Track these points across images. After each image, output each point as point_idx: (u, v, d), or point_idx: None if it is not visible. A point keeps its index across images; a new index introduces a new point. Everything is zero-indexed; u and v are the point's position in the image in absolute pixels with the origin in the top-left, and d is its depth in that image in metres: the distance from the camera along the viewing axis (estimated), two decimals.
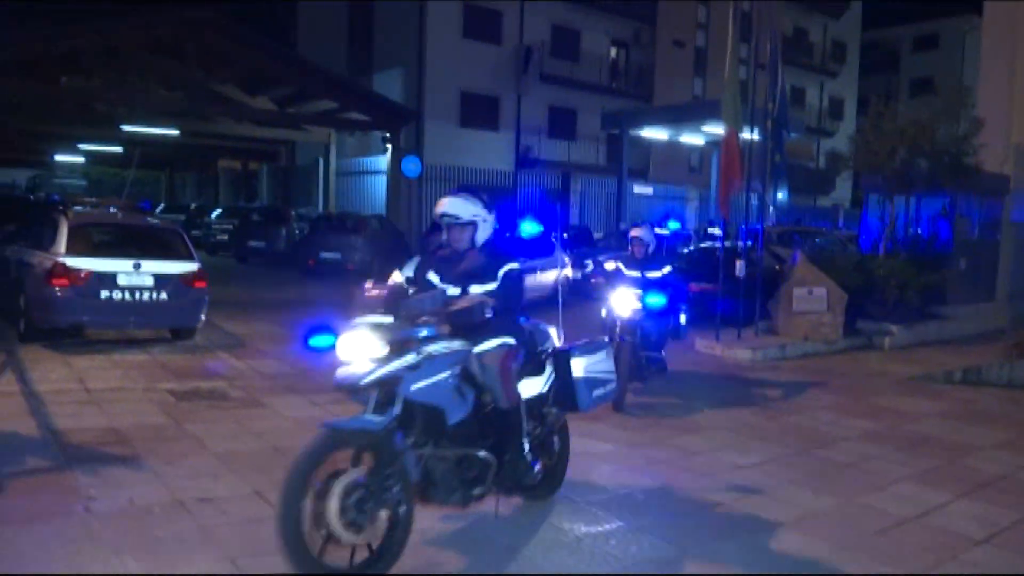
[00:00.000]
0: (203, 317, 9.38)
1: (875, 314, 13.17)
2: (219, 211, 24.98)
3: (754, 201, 12.95)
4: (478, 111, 29.78)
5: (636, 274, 7.86)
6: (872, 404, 8.60)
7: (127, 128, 23.74)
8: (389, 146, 23.47)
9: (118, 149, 30.72)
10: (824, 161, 44.09)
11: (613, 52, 34.25)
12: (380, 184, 27.29)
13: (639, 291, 7.58)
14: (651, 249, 8.10)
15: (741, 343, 11.58)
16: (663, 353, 8.16)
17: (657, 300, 7.70)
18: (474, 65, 29.25)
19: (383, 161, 25.16)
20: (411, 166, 22.66)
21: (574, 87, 31.87)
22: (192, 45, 19.89)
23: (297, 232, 21.08)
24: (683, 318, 8.41)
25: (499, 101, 30.47)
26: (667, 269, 8.09)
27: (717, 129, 25.10)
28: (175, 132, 24.95)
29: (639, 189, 30.68)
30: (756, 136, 13.01)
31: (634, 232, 8.15)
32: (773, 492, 5.41)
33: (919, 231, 15.64)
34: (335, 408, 6.96)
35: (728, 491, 5.37)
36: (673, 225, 23.17)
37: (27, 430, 5.64)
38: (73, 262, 8.38)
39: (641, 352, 7.72)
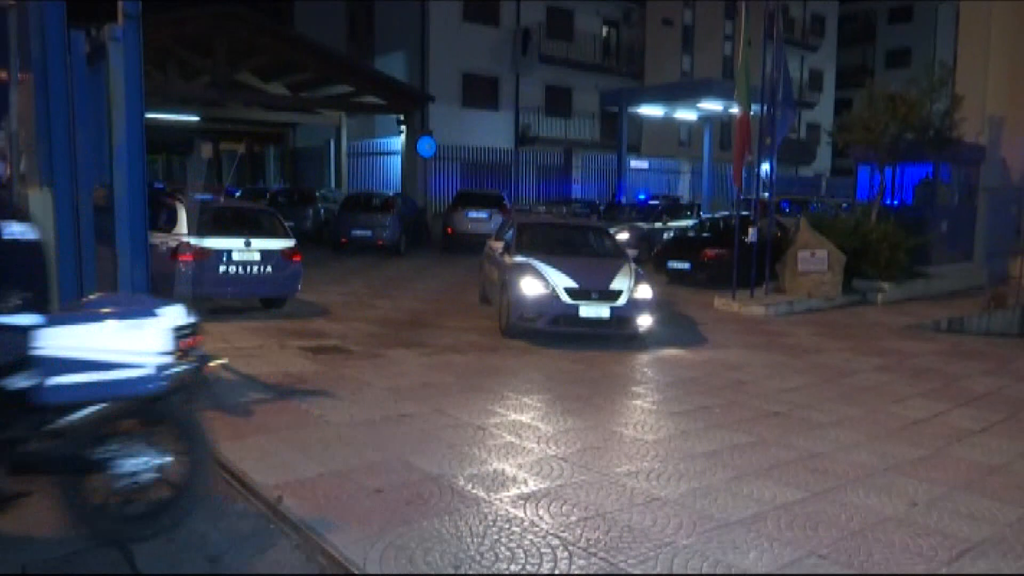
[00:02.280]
0: (300, 287, 10.75)
1: (869, 273, 14.75)
2: (239, 193, 26.04)
3: (763, 173, 14.33)
4: (479, 92, 31.00)
5: None
6: (877, 346, 10.19)
7: (150, 115, 24.71)
8: (404, 128, 24.71)
9: None
10: (805, 132, 45.68)
11: (605, 31, 35.50)
12: (390, 164, 28.55)
13: None
14: None
15: (754, 301, 13.12)
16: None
17: None
18: (474, 47, 30.42)
19: (396, 142, 26.41)
20: (426, 146, 23.93)
21: (569, 66, 33.14)
22: (221, 38, 21.00)
23: (322, 212, 22.31)
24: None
25: (498, 81, 31.69)
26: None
27: (712, 106, 26.65)
28: (196, 118, 26.01)
29: (635, 163, 32.10)
30: (758, 113, 14.33)
31: None
32: (815, 406, 6.96)
33: (904, 199, 17.26)
34: (441, 356, 8.42)
35: (783, 405, 6.92)
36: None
37: (223, 376, 7.03)
38: (197, 241, 9.72)
39: None
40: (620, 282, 9.24)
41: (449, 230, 20.79)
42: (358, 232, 19.54)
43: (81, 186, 6.47)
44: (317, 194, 23.28)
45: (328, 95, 26.10)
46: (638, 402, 6.84)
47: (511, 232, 10.80)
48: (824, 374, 8.36)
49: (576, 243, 11.01)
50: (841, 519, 4.28)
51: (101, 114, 6.49)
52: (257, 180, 35.81)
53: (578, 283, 9.11)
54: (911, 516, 4.37)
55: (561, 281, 9.11)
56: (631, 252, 10.71)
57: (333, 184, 29.28)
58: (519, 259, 9.68)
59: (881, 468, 5.24)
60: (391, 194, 22.01)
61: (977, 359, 9.71)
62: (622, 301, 9.10)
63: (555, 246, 10.45)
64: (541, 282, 9.09)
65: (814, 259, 13.96)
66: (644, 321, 9.32)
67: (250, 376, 7.03)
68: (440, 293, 13.54)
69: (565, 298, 9.01)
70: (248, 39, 21.74)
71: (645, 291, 9.35)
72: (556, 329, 9.11)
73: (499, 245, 10.84)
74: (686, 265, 15.47)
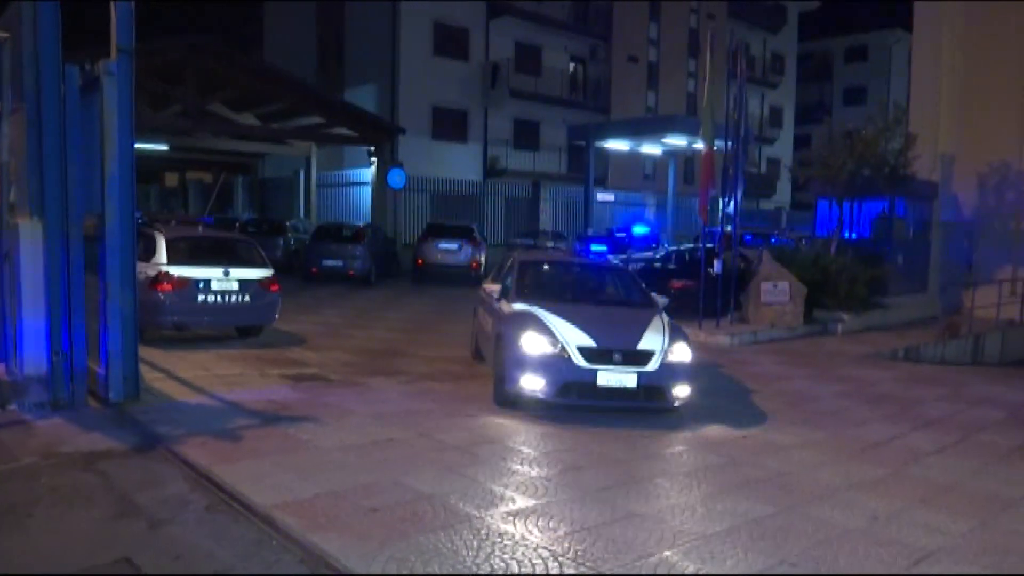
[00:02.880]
0: (277, 316, 10.87)
1: (829, 304, 15.27)
2: (212, 222, 25.97)
3: (728, 208, 14.81)
4: (448, 124, 31.46)
5: None
6: (837, 374, 10.60)
7: None
8: (374, 159, 24.98)
9: None
10: (766, 166, 46.88)
11: (572, 67, 36.29)
12: (359, 194, 28.74)
13: None
14: None
15: (720, 331, 13.52)
16: None
17: None
18: (444, 81, 30.92)
19: (366, 173, 26.65)
20: (397, 178, 24.20)
21: (537, 100, 33.80)
22: (191, 70, 21.16)
23: (292, 242, 22.40)
24: None
25: (467, 115, 32.19)
26: None
27: (676, 141, 27.33)
28: (164, 148, 26.01)
29: (602, 196, 32.65)
30: (721, 148, 14.81)
31: None
32: (781, 430, 7.29)
33: (862, 233, 17.91)
34: (420, 384, 8.62)
35: (749, 429, 7.23)
36: (639, 230, 25.32)
37: (207, 402, 7.16)
38: (176, 271, 9.83)
39: None
40: (651, 340, 7.24)
41: (420, 261, 21.00)
42: (329, 262, 19.66)
43: (71, 216, 6.61)
44: (287, 224, 23.37)
45: (299, 126, 26.30)
46: (612, 426, 7.09)
47: (510, 272, 9.09)
48: (788, 400, 8.72)
49: (592, 288, 9.24)
50: (808, 531, 4.57)
51: (93, 145, 6.66)
52: (225, 209, 35.68)
53: (596, 341, 7.12)
54: (873, 528, 4.68)
55: (573, 337, 7.16)
56: (661, 299, 8.57)
57: (302, 214, 29.36)
58: (519, 306, 7.90)
59: (844, 486, 5.55)
60: (361, 225, 22.20)
61: (932, 385, 10.17)
62: (653, 365, 7.11)
63: (566, 291, 8.76)
64: (547, 338, 7.18)
65: (776, 290, 14.43)
66: (681, 391, 7.34)
67: (234, 403, 7.16)
68: (413, 323, 13.73)
69: (579, 360, 7.04)
70: (219, 70, 21.91)
71: (683, 351, 7.36)
72: (566, 401, 7.18)
73: (495, 288, 9.14)
74: None
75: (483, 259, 21.06)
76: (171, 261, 9.97)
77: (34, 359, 6.58)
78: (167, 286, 9.79)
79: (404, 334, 12.41)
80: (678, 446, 6.65)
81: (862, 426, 7.57)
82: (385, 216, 25.23)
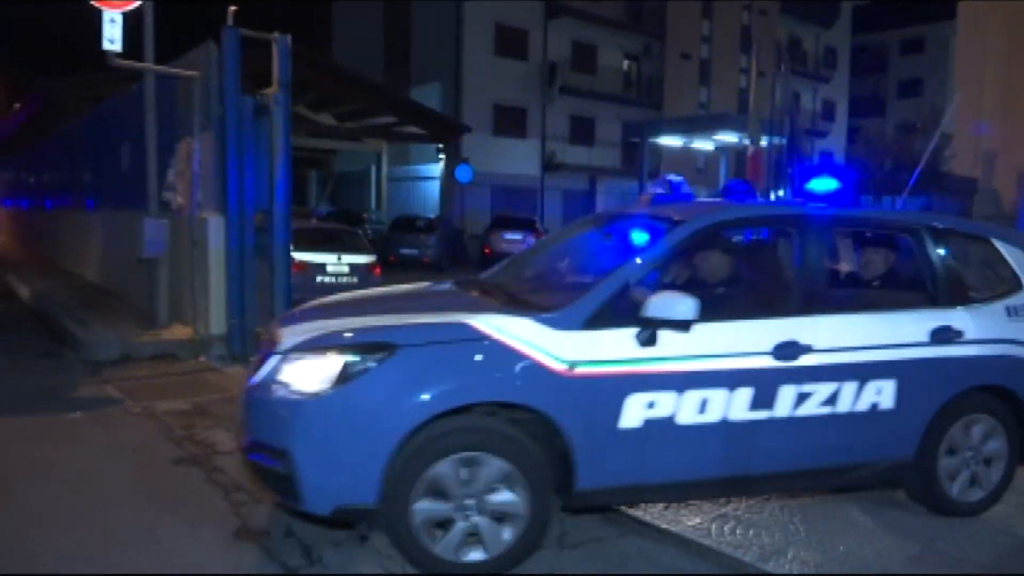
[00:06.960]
0: None
1: None
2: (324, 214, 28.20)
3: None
4: (508, 121, 33.22)
5: None
6: None
7: None
8: (443, 156, 26.88)
9: None
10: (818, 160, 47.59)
11: (626, 65, 37.72)
12: (427, 188, 30.72)
13: None
14: None
15: None
16: None
17: None
18: (504, 79, 32.68)
19: (433, 168, 28.59)
20: (464, 173, 26.05)
21: (592, 98, 35.34)
22: None
23: (370, 233, 24.42)
24: None
25: (526, 112, 33.90)
26: None
27: (727, 137, 28.66)
28: None
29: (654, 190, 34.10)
30: (768, 143, 16.25)
31: None
32: None
33: None
34: None
35: None
36: None
37: None
38: (299, 255, 11.75)
39: None
40: None
41: (487, 250, 22.83)
42: (405, 250, 21.65)
43: (245, 211, 8.49)
44: (365, 215, 25.44)
45: (373, 124, 28.30)
46: None
47: None
48: None
49: None
50: None
51: (260, 156, 8.53)
52: (297, 202, 38.05)
53: None
54: None
55: None
56: None
57: (373, 206, 31.49)
58: None
59: None
60: (433, 217, 24.13)
61: None
62: None
63: None
64: None
65: None
66: None
67: None
68: None
69: None
70: (304, 75, 23.96)
71: None
72: None
73: None
74: None
75: None
76: (295, 248, 11.89)
77: (217, 322, 8.51)
78: (295, 268, 11.72)
79: None
80: None
81: None
82: (452, 208, 27.13)
